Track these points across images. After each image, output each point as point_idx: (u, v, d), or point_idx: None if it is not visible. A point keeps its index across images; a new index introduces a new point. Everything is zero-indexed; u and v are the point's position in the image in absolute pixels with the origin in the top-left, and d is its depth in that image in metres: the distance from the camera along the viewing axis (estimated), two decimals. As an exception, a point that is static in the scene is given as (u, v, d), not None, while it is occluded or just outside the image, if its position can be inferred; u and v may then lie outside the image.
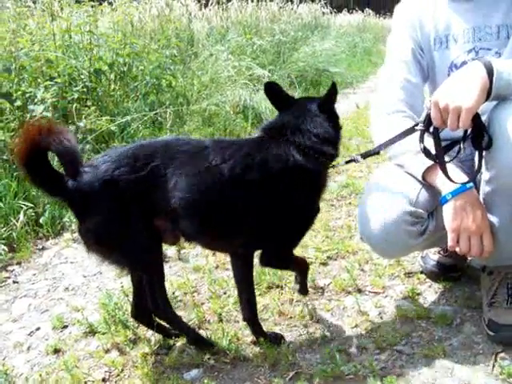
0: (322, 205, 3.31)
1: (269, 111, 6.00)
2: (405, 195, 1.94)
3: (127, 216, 1.82)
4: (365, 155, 2.06)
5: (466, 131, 1.82)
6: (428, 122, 1.83)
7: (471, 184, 1.84)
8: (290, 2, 12.04)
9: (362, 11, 18.98)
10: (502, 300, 2.08)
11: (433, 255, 2.51)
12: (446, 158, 1.86)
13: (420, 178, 1.93)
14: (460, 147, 1.86)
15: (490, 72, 1.68)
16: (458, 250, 1.84)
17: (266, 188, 1.88)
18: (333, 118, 2.01)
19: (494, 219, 1.86)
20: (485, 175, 1.84)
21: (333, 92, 1.99)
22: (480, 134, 1.77)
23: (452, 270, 2.47)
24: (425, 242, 2.04)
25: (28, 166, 1.75)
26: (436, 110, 1.75)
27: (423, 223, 1.95)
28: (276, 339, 2.07)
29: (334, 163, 2.02)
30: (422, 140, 1.85)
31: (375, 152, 2.04)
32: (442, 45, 2.13)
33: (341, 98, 8.15)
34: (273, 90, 2.04)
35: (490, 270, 2.18)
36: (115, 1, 7.63)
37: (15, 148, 1.79)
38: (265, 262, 2.03)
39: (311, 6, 13.31)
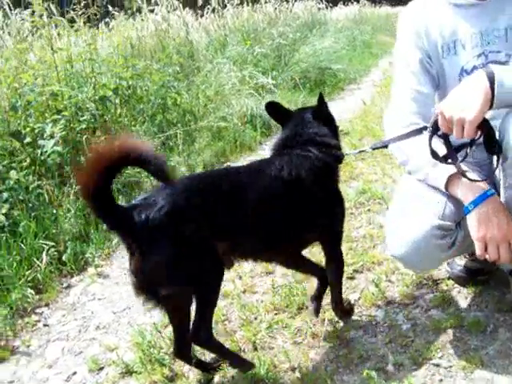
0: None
1: (276, 118, 5.99)
2: (431, 209, 1.93)
3: (194, 247, 1.86)
4: (374, 147, 2.21)
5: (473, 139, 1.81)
6: (436, 126, 1.84)
7: (492, 191, 1.83)
8: (285, 2, 12.02)
9: (358, 2, 18.90)
10: None
11: (459, 260, 2.50)
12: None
13: (444, 190, 1.92)
14: (467, 152, 1.85)
15: (492, 81, 1.67)
16: (487, 257, 1.83)
17: (302, 190, 2.09)
18: (328, 121, 2.31)
19: None
20: (503, 182, 1.83)
21: (321, 100, 2.28)
22: (491, 139, 1.78)
23: (479, 274, 2.46)
24: (455, 253, 2.03)
25: (94, 197, 1.74)
26: (442, 119, 1.77)
27: (452, 235, 1.93)
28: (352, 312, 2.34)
29: (347, 152, 2.33)
30: (430, 143, 1.84)
31: (384, 145, 2.15)
32: (450, 51, 2.11)
33: (346, 95, 8.16)
34: (273, 109, 2.35)
35: (519, 272, 2.16)
36: (112, 20, 7.69)
37: (81, 178, 1.78)
38: (330, 251, 2.26)
39: (306, 3, 13.29)
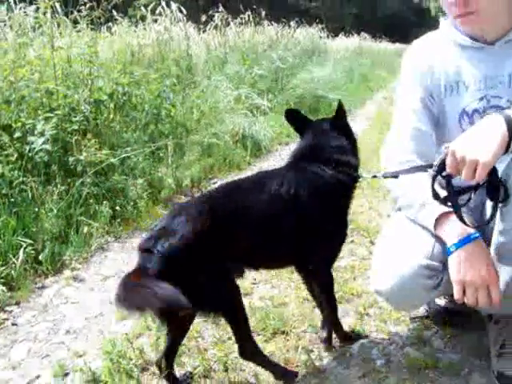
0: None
1: (268, 140, 6.01)
2: (420, 248, 1.91)
3: (212, 271, 1.90)
4: (385, 175, 2.10)
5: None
6: (441, 167, 1.78)
7: (477, 235, 1.80)
8: (287, 27, 12.14)
9: (359, 35, 19.14)
10: (511, 351, 2.05)
11: (438, 300, 2.49)
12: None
13: (432, 230, 1.91)
14: (470, 196, 1.84)
15: (510, 126, 1.64)
16: (465, 301, 1.82)
17: (314, 204, 2.11)
18: (346, 132, 2.31)
19: (505, 270, 1.83)
20: (499, 226, 1.81)
21: (340, 110, 2.29)
22: (496, 187, 1.75)
23: (457, 315, 2.44)
24: (438, 294, 2.02)
25: None
26: (452, 159, 1.71)
27: (438, 276, 1.91)
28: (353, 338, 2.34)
29: (362, 175, 2.27)
30: (433, 183, 1.80)
31: (394, 176, 2.04)
32: (452, 91, 2.11)
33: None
34: (292, 116, 2.39)
35: (496, 318, 2.15)
36: (114, 25, 7.70)
37: None
38: (319, 275, 2.26)
39: (308, 31, 13.43)
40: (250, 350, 2.04)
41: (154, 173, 4.52)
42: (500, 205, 1.77)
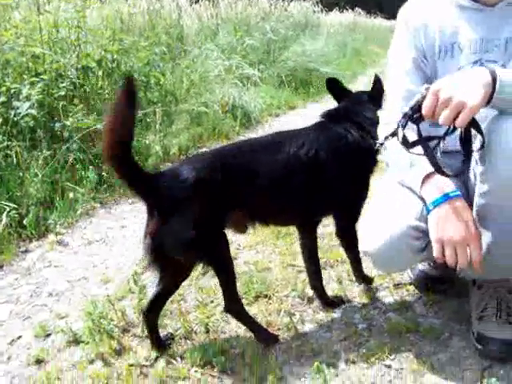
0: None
1: (258, 111, 5.97)
2: (409, 209, 1.90)
3: (210, 215, 1.97)
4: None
5: (448, 129, 1.74)
6: (416, 108, 1.71)
7: (457, 193, 1.78)
8: (281, 0, 12.00)
9: (353, 10, 18.97)
10: (492, 314, 2.06)
11: (421, 266, 2.49)
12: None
13: (418, 191, 1.89)
14: (439, 141, 1.80)
15: (494, 80, 1.61)
16: (446, 261, 1.80)
17: (337, 162, 2.19)
18: (379, 105, 2.42)
19: (487, 233, 1.82)
20: (480, 188, 1.78)
21: (377, 83, 2.42)
22: (469, 136, 1.72)
23: (440, 282, 2.45)
24: (424, 257, 2.02)
25: (114, 163, 1.84)
26: (433, 100, 1.65)
27: (425, 238, 1.90)
28: (337, 304, 2.37)
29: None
30: (403, 125, 1.73)
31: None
32: (446, 53, 2.07)
33: (330, 99, 8.13)
34: (333, 84, 2.49)
35: (479, 283, 2.15)
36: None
37: (103, 144, 1.83)
38: (342, 233, 2.41)
39: (302, 4, 13.29)
40: (235, 306, 2.08)
41: (141, 140, 4.48)
42: (481, 168, 1.75)
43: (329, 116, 2.37)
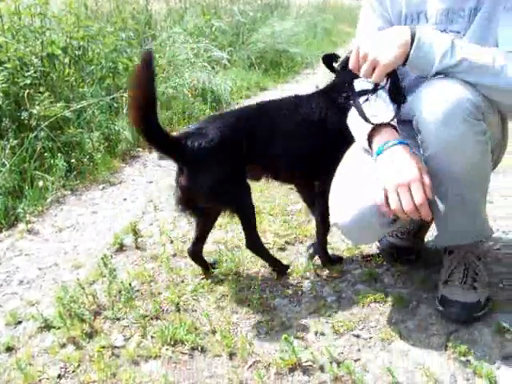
0: (279, 190, 3.34)
1: (227, 93, 5.96)
2: (377, 182, 1.88)
3: (233, 169, 2.22)
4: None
5: (376, 85, 1.89)
6: (346, 62, 1.94)
7: (395, 141, 1.82)
8: (249, -18, 11.92)
9: (322, -10, 18.88)
10: (457, 278, 2.11)
11: (389, 237, 2.53)
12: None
13: (368, 148, 1.94)
14: (368, 97, 1.93)
15: (413, 40, 1.73)
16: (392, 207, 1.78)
17: (331, 130, 2.33)
18: None
19: (436, 198, 1.87)
20: (424, 153, 1.84)
21: None
22: (397, 89, 1.86)
23: (408, 253, 2.50)
24: (394, 227, 2.05)
25: (143, 129, 2.08)
26: (355, 56, 1.82)
27: None
28: (337, 261, 2.55)
29: None
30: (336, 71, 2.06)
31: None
32: (412, 22, 2.09)
33: (301, 79, 8.18)
34: (330, 60, 2.41)
35: (450, 249, 2.20)
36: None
37: (130, 117, 2.09)
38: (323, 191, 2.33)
39: (271, -15, 13.20)
40: (255, 242, 2.35)
41: (110, 126, 4.45)
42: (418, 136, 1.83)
43: (328, 88, 2.47)
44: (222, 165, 2.19)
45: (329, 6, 17.33)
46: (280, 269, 2.45)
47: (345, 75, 2.16)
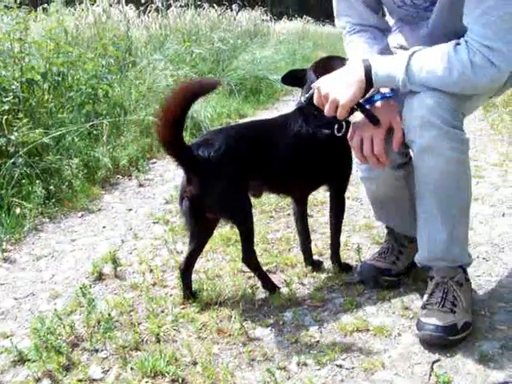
0: (260, 217, 3.33)
1: (208, 120, 5.97)
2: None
3: (238, 181, 2.30)
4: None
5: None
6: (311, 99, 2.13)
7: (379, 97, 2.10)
8: (229, 10, 12.04)
9: (302, 18, 19.16)
10: (435, 302, 2.12)
11: (370, 261, 2.57)
12: None
13: None
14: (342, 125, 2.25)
15: (368, 70, 1.95)
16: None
17: (319, 145, 2.41)
18: None
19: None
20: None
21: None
22: (367, 116, 2.08)
23: (388, 274, 2.51)
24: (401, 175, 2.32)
25: (167, 143, 2.18)
26: (318, 95, 2.03)
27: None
28: (317, 266, 2.72)
29: None
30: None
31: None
32: None
33: (281, 106, 8.23)
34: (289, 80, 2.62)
35: (432, 275, 2.20)
36: (50, 7, 7.46)
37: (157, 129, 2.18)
38: (337, 195, 2.61)
39: (251, 13, 13.36)
40: (251, 257, 2.40)
41: (90, 153, 4.42)
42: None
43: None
44: (232, 174, 2.27)
45: (308, 34, 17.56)
46: (271, 287, 2.48)
47: (310, 108, 2.33)
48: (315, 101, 2.06)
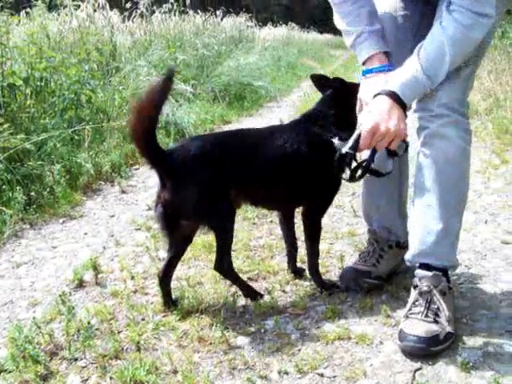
0: (243, 224, 3.32)
1: (191, 126, 5.95)
2: None
3: (214, 187, 2.27)
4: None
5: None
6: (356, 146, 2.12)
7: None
8: (214, 16, 12.04)
9: (287, 25, 19.22)
10: (418, 312, 2.12)
11: (351, 265, 2.60)
12: None
13: None
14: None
15: (395, 96, 2.04)
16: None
17: (310, 157, 2.39)
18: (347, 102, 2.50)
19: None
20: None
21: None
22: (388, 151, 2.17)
23: (369, 277, 2.52)
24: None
25: (140, 144, 2.18)
26: (370, 135, 2.04)
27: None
28: (331, 287, 2.58)
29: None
30: (349, 164, 2.17)
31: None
32: None
33: (265, 112, 8.24)
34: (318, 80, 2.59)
35: (415, 283, 2.20)
36: (33, 11, 7.41)
37: (130, 129, 2.18)
38: (308, 217, 2.54)
39: (236, 20, 13.37)
40: (226, 264, 2.36)
41: (72, 159, 4.38)
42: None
43: (307, 116, 2.55)
44: (206, 180, 2.25)
45: (293, 41, 17.62)
46: (251, 294, 2.46)
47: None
48: (363, 144, 2.08)
